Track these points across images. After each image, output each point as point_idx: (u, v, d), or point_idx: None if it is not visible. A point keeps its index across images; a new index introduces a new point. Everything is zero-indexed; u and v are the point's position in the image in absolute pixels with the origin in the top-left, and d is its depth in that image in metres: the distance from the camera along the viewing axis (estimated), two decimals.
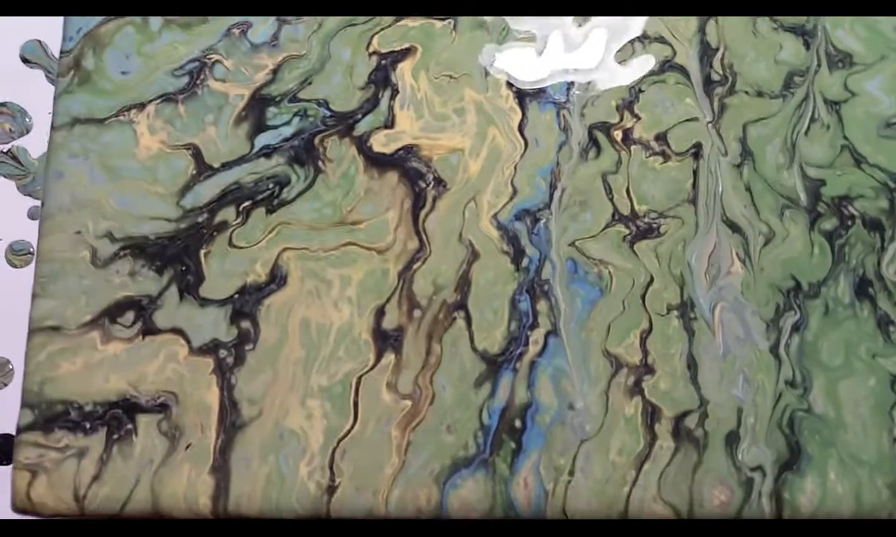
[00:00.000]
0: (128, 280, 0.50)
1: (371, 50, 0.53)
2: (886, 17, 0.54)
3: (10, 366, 0.52)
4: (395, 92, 0.53)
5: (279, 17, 0.54)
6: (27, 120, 0.57)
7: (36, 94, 0.59)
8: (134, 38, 0.53)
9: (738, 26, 0.55)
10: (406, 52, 0.54)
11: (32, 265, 0.52)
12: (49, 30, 0.60)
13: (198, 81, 0.52)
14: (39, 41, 0.59)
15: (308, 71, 0.53)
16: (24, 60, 0.58)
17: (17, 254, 0.54)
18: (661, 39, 0.54)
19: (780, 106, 0.54)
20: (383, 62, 0.53)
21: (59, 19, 0.55)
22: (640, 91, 0.54)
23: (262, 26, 0.53)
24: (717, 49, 0.54)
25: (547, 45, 0.54)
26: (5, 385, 0.53)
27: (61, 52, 0.54)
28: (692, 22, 0.54)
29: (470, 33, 0.54)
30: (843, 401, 0.49)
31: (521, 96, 0.53)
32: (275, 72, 0.53)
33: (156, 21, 0.54)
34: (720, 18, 0.55)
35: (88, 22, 0.54)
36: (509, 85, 0.53)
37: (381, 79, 0.53)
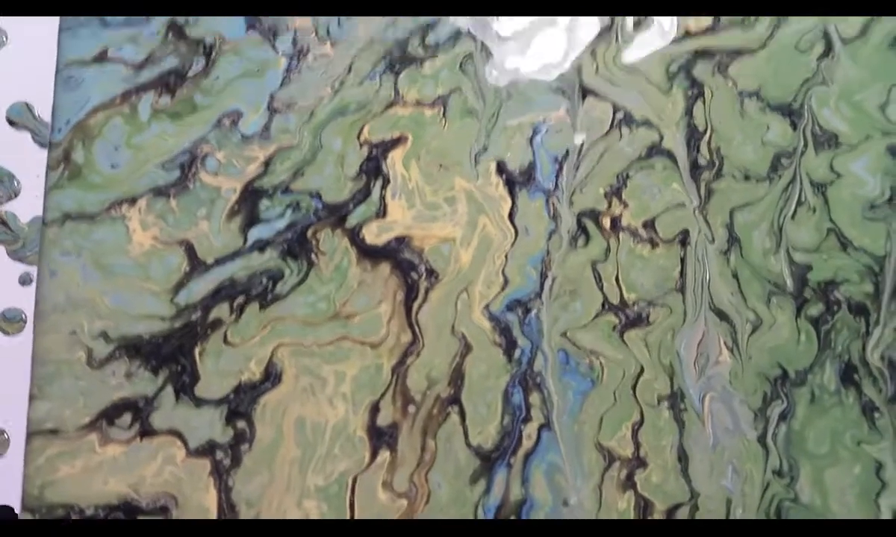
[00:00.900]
0: (124, 381, 0.50)
1: (362, 139, 0.54)
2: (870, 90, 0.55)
3: (6, 436, 0.53)
4: (386, 181, 0.53)
5: (270, 106, 0.53)
6: (15, 184, 0.57)
7: (24, 157, 0.58)
8: (123, 130, 0.54)
9: (725, 107, 0.55)
10: (397, 141, 0.54)
11: (25, 332, 0.52)
12: (36, 92, 0.59)
13: (189, 175, 0.53)
14: (26, 103, 0.59)
15: (300, 162, 0.53)
16: (11, 123, 0.57)
17: (10, 321, 0.54)
18: (647, 123, 0.55)
19: (767, 189, 0.55)
20: (374, 151, 0.54)
21: (50, 85, 0.54)
22: (628, 177, 0.54)
23: (253, 116, 0.54)
24: (704, 132, 0.55)
25: (535, 131, 0.54)
26: (1, 455, 0.53)
27: (50, 144, 0.54)
28: (679, 104, 0.55)
29: (460, 120, 0.54)
30: (830, 489, 0.50)
31: (511, 184, 0.54)
32: (266, 164, 0.53)
33: (144, 110, 0.54)
34: (707, 99, 0.55)
35: (77, 112, 0.53)
36: (499, 172, 0.54)
37: (373, 168, 0.53)
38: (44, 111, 0.57)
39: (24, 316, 0.55)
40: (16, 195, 0.57)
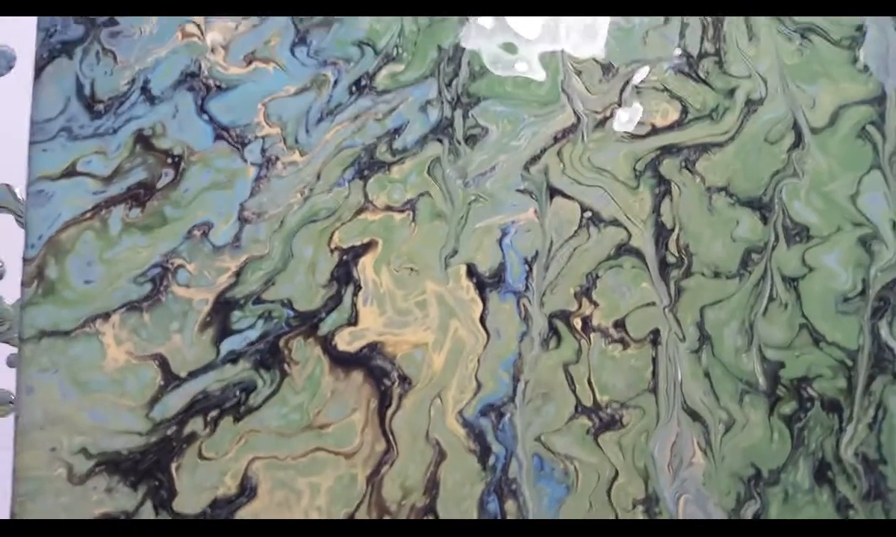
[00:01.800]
0: (105, 496, 0.51)
1: (333, 246, 0.55)
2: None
3: None
4: (357, 287, 0.54)
5: (240, 215, 0.54)
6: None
7: (7, 239, 0.58)
8: (94, 245, 0.55)
9: (693, 203, 0.56)
10: (367, 247, 0.55)
11: (13, 416, 0.52)
12: (13, 172, 0.59)
13: (161, 288, 0.54)
14: (7, 185, 0.59)
15: (271, 271, 0.54)
16: None
17: None
18: (615, 222, 0.55)
19: (738, 286, 0.55)
20: (345, 257, 0.55)
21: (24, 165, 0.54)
22: (598, 277, 0.54)
23: (224, 226, 0.55)
24: (673, 229, 0.55)
25: (504, 232, 0.55)
26: None
27: (24, 260, 0.54)
28: (646, 202, 0.55)
29: (429, 223, 0.54)
30: None
31: (482, 286, 0.54)
32: (238, 274, 0.54)
33: (115, 224, 0.55)
34: (675, 196, 0.55)
35: (48, 227, 0.54)
36: (470, 275, 0.54)
37: (344, 275, 0.54)
38: (22, 175, 0.58)
39: (11, 397, 0.55)
40: (0, 278, 0.57)
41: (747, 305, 0.57)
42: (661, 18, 0.62)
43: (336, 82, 0.60)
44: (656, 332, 0.56)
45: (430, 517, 0.54)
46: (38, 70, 0.60)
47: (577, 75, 0.61)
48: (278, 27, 0.61)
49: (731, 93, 0.61)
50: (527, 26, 0.62)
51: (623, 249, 0.58)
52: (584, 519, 0.53)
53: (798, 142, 0.60)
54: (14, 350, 0.57)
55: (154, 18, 0.60)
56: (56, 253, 0.57)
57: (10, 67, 0.60)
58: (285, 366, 0.57)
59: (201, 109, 0.59)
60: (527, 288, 0.58)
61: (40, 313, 0.57)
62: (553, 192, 0.59)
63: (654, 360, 0.56)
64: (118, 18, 0.60)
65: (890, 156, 0.60)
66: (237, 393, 0.57)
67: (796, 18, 0.62)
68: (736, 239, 0.58)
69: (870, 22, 0.62)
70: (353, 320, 0.58)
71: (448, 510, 0.54)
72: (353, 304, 0.58)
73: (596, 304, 0.57)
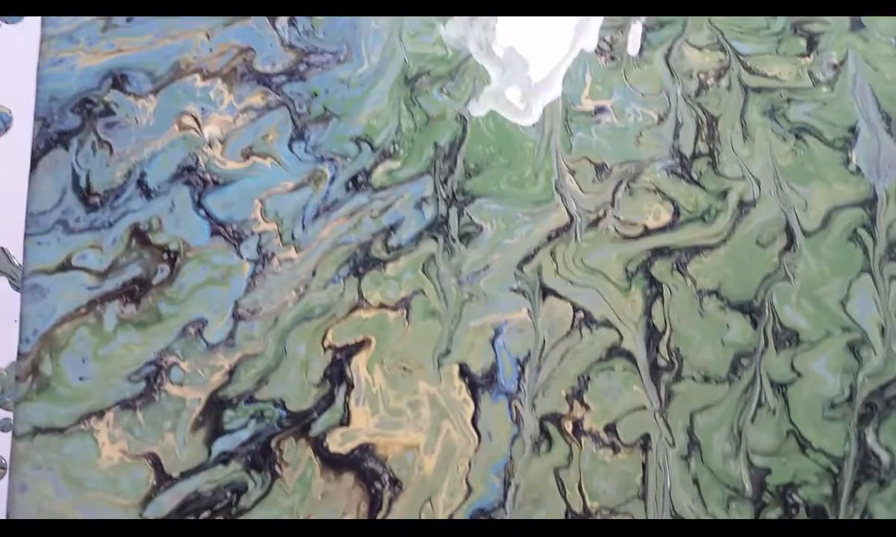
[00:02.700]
0: None
1: (326, 344, 0.55)
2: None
3: None
4: (350, 387, 0.55)
5: (234, 313, 0.54)
6: None
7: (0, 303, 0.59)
8: (89, 341, 0.55)
9: (684, 306, 0.56)
10: (360, 345, 0.55)
11: (4, 480, 0.53)
12: (10, 236, 0.59)
13: (155, 386, 0.54)
14: (2, 249, 0.59)
15: (264, 369, 0.55)
16: None
17: None
18: (607, 323, 0.55)
19: (727, 391, 0.56)
20: (338, 356, 0.55)
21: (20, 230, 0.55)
22: (589, 379, 0.55)
23: (218, 324, 0.55)
24: (664, 332, 0.55)
25: (497, 331, 0.55)
26: None
27: (18, 354, 0.54)
28: (638, 303, 0.56)
29: (423, 322, 0.55)
30: None
31: (474, 386, 0.54)
32: (231, 372, 0.55)
33: (110, 320, 0.56)
34: (666, 298, 0.56)
35: (43, 323, 0.54)
36: (462, 375, 0.54)
37: (337, 374, 0.55)
38: (19, 255, 0.59)
39: (4, 462, 0.55)
40: None
41: (736, 411, 0.58)
42: (655, 117, 0.62)
43: (333, 178, 0.61)
44: (647, 437, 0.57)
45: None
46: (34, 160, 0.60)
47: (570, 174, 0.61)
48: (276, 122, 0.61)
49: (723, 194, 0.62)
50: (524, 117, 0.62)
51: (615, 351, 0.59)
52: (583, 519, 0.56)
53: (790, 244, 0.61)
54: (7, 414, 0.57)
55: (150, 109, 0.60)
56: (51, 349, 0.58)
57: (7, 129, 0.60)
58: (276, 467, 0.58)
59: (198, 204, 0.60)
60: (519, 389, 0.59)
61: (34, 409, 0.57)
62: (546, 292, 0.60)
63: (644, 466, 0.57)
64: (114, 109, 0.60)
65: (880, 260, 0.61)
66: (228, 494, 0.57)
67: (791, 118, 0.63)
68: (726, 343, 0.59)
69: (862, 123, 0.63)
70: (345, 420, 0.59)
71: None
72: (346, 404, 0.59)
73: (587, 407, 0.58)
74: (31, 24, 0.62)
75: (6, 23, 0.63)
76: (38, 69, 0.62)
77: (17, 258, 0.63)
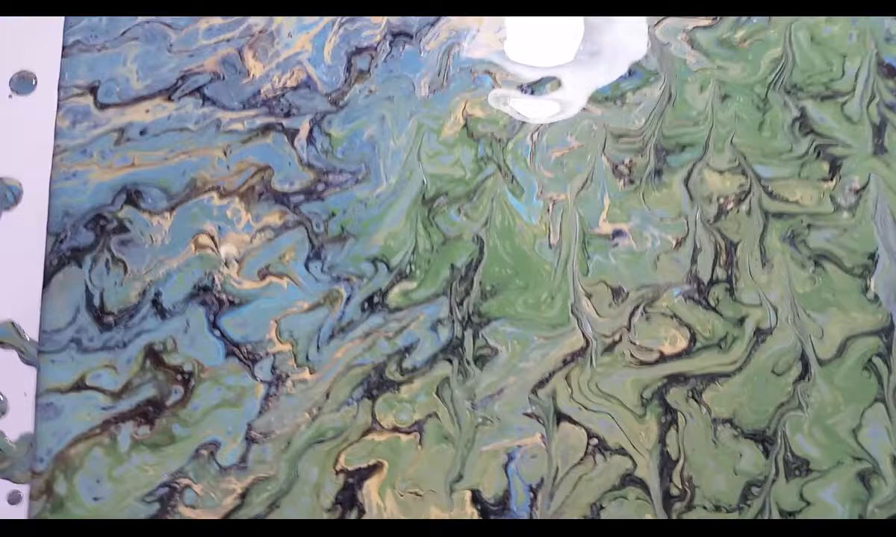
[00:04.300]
0: None
1: (338, 467, 0.56)
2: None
3: None
4: (361, 512, 0.54)
5: (247, 435, 0.54)
6: (2, 400, 0.58)
7: (11, 376, 0.59)
8: (103, 461, 0.56)
9: (699, 434, 0.56)
10: (372, 469, 0.56)
11: None
12: (23, 311, 0.59)
13: (168, 507, 0.54)
14: (13, 323, 0.60)
15: (276, 493, 0.55)
16: None
17: None
18: (621, 451, 0.55)
19: (737, 519, 0.56)
20: (350, 480, 0.55)
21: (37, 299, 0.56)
22: (602, 507, 0.55)
23: (231, 446, 0.55)
24: (677, 461, 0.55)
25: (510, 457, 0.55)
26: None
27: (32, 473, 0.55)
28: (652, 431, 0.56)
29: (436, 446, 0.55)
30: None
31: (486, 513, 0.55)
32: (243, 495, 0.55)
33: (124, 441, 0.55)
34: (681, 426, 0.56)
35: (58, 442, 0.54)
36: (474, 501, 0.55)
37: (348, 499, 0.55)
38: (31, 330, 0.60)
39: None
40: (3, 414, 0.58)
41: None
42: (673, 242, 0.62)
43: (349, 299, 0.61)
44: None
45: None
46: (48, 277, 0.60)
47: (587, 298, 0.61)
48: (293, 241, 0.61)
49: (740, 321, 0.62)
50: (541, 239, 0.62)
51: (628, 479, 0.59)
52: (583, 519, 0.57)
53: (805, 373, 0.61)
54: (17, 487, 0.57)
55: (166, 227, 0.60)
56: (65, 469, 0.58)
57: (17, 202, 0.60)
58: None
59: (213, 324, 0.60)
60: (531, 517, 0.59)
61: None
62: (560, 417, 0.60)
63: None
64: (128, 226, 0.59)
65: (894, 389, 0.61)
66: None
67: (811, 244, 0.62)
68: (738, 472, 0.59)
69: (882, 250, 0.62)
70: None
71: None
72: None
73: None
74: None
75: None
76: (51, 182, 0.62)
77: (30, 332, 0.62)
